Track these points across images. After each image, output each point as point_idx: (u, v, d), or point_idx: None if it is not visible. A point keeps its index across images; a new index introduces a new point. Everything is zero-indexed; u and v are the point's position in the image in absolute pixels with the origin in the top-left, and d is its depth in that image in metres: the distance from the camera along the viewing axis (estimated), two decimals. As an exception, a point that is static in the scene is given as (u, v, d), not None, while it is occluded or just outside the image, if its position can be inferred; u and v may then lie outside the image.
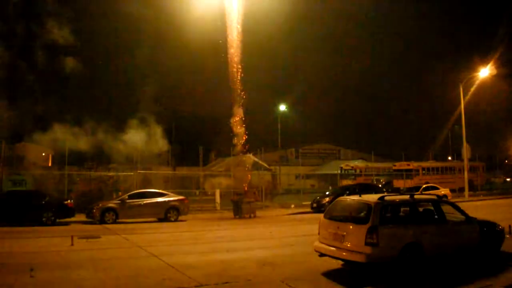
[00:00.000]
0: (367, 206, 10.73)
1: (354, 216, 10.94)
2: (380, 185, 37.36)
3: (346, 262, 10.80)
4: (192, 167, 40.93)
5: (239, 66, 29.20)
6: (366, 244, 10.08)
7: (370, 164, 49.22)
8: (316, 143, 65.68)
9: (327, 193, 30.98)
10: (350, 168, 47.47)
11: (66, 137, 29.10)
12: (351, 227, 10.66)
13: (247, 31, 29.57)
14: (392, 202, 11.36)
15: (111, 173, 30.06)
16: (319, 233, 11.56)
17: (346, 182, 40.49)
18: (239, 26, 28.26)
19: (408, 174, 43.26)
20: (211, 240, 17.51)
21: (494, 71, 38.72)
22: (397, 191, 31.16)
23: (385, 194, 12.75)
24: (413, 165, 45.21)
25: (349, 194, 20.35)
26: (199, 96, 35.83)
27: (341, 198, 12.66)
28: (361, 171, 46.74)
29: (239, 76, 29.23)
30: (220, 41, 29.15)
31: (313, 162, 59.10)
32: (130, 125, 30.66)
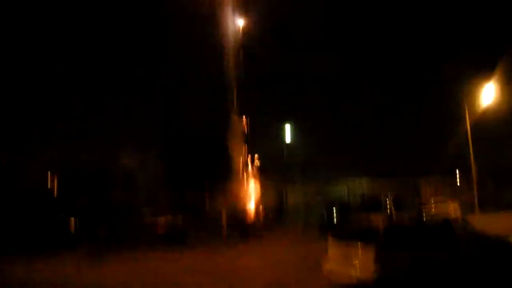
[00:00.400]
0: (375, 226, 10.58)
1: (362, 237, 10.74)
2: (388, 203, 37.00)
3: (354, 282, 10.58)
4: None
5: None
6: (376, 262, 9.89)
7: (377, 183, 48.87)
8: (323, 163, 65.28)
9: (334, 213, 30.70)
10: (357, 186, 47.14)
11: None
12: (359, 247, 10.46)
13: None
14: (400, 223, 11.19)
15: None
16: (327, 253, 11.38)
17: (354, 202, 40.20)
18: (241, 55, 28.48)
19: (416, 191, 42.90)
20: (218, 263, 17.33)
21: (498, 86, 38.56)
22: (405, 208, 30.80)
23: (393, 213, 12.58)
24: (421, 181, 44.87)
25: (357, 214, 20.15)
26: (202, 116, 35.60)
27: (350, 219, 12.51)
28: (368, 190, 46.39)
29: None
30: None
31: (320, 182, 58.64)
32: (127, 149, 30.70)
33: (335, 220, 26.28)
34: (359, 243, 10.55)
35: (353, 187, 46.92)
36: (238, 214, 28.56)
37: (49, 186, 29.69)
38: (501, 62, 38.67)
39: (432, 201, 33.80)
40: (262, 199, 34.28)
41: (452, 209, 31.56)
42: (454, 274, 10.25)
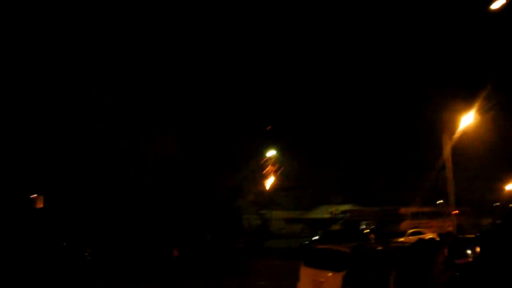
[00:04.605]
0: (344, 254, 11.27)
1: (332, 264, 11.41)
2: (368, 230, 37.71)
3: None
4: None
5: None
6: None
7: (359, 209, 49.65)
8: (306, 188, 65.92)
9: (314, 238, 31.36)
10: (339, 212, 47.91)
11: None
12: (329, 274, 11.15)
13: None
14: (369, 250, 11.90)
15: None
16: (299, 280, 12.03)
17: (335, 227, 40.86)
18: None
19: (396, 219, 43.63)
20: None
21: (479, 117, 39.67)
22: (384, 235, 31.50)
23: (364, 242, 13.28)
24: (402, 210, 45.62)
25: (335, 239, 20.81)
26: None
27: (321, 246, 13.21)
28: (350, 216, 47.12)
29: None
30: None
31: (303, 207, 59.36)
32: None
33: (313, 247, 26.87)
34: (328, 271, 11.25)
35: (336, 213, 47.66)
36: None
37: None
38: (481, 93, 39.96)
39: (409, 231, 34.68)
40: (246, 223, 34.84)
41: (429, 238, 32.35)
42: None
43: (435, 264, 8.23)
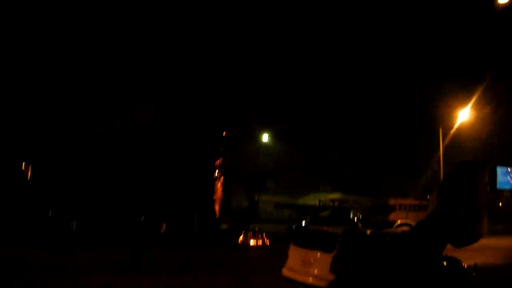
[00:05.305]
0: (334, 235, 11.12)
1: (321, 244, 11.27)
2: (356, 219, 37.79)
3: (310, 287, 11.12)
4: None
5: None
6: (331, 271, 10.42)
7: (348, 198, 49.73)
8: (296, 174, 65.89)
9: (303, 223, 31.33)
10: (329, 200, 47.97)
11: None
12: (318, 254, 11.01)
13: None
14: (359, 233, 11.77)
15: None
16: (288, 259, 11.90)
17: (323, 214, 40.84)
18: None
19: (385, 210, 43.68)
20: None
21: (474, 113, 39.73)
22: (371, 225, 31.49)
23: (354, 225, 13.17)
24: (391, 201, 45.67)
25: (324, 225, 20.67)
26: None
27: (311, 226, 13.08)
28: (339, 204, 47.19)
29: None
30: None
31: (292, 192, 59.39)
32: None
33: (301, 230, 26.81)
34: (318, 251, 11.11)
35: (325, 201, 47.69)
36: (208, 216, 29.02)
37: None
38: (476, 91, 39.92)
39: (398, 222, 34.75)
40: (235, 205, 34.73)
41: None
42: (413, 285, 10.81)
43: (480, 185, 8.12)
